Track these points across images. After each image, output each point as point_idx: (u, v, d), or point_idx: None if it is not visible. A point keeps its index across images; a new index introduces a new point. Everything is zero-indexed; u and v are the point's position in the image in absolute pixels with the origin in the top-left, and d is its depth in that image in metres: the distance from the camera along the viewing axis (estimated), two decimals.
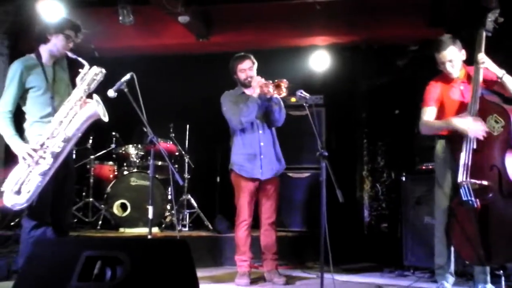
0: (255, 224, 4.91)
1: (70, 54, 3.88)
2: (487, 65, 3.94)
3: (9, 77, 3.76)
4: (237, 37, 6.75)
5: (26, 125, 3.82)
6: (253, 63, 4.79)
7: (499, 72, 3.95)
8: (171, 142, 6.66)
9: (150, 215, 3.85)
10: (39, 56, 3.88)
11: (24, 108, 3.83)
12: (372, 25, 6.36)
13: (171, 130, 6.73)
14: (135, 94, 4.01)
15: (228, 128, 4.89)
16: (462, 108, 4.04)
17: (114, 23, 5.96)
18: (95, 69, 3.86)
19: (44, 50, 3.89)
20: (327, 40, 6.85)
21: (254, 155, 4.71)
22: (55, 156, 3.65)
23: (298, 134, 5.98)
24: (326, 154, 3.97)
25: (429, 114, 4.16)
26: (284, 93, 4.49)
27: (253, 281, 4.76)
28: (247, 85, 4.75)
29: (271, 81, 4.56)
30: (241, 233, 4.75)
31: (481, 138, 3.84)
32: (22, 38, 6.22)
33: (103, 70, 3.87)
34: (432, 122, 4.14)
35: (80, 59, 3.85)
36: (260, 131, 4.76)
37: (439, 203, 4.18)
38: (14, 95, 3.74)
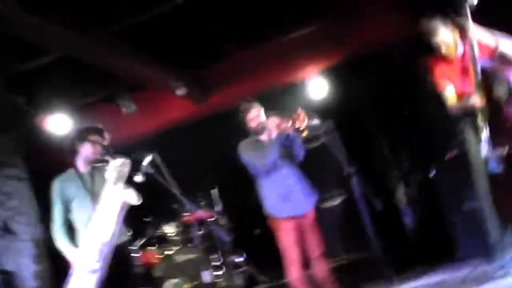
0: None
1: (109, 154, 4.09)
2: (479, 37, 4.00)
3: (52, 196, 4.10)
4: (233, 91, 6.92)
5: (76, 233, 4.05)
6: (260, 109, 4.86)
7: (493, 41, 3.99)
8: (203, 210, 6.77)
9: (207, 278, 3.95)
10: (75, 168, 4.17)
11: (72, 218, 4.08)
12: (355, 38, 6.48)
13: (200, 199, 6.85)
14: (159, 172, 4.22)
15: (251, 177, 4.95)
16: (466, 84, 4.16)
17: (119, 114, 6.19)
18: (118, 161, 4.02)
19: (78, 161, 4.17)
20: (318, 67, 7.03)
21: (285, 194, 4.73)
22: (101, 253, 3.86)
23: (318, 165, 6.04)
24: (354, 169, 4.08)
25: (449, 94, 4.23)
26: (304, 124, 4.49)
27: None
28: (261, 132, 4.83)
29: (287, 117, 4.62)
30: (294, 274, 4.69)
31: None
32: (40, 159, 6.41)
33: (126, 160, 4.03)
34: (455, 103, 4.22)
35: (105, 157, 4.07)
36: (284, 169, 4.80)
37: (480, 183, 4.23)
38: (60, 211, 4.06)
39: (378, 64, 6.90)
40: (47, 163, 5.85)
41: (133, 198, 3.96)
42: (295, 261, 4.69)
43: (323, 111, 6.78)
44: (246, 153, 4.82)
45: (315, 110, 6.63)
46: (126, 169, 4.02)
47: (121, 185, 3.97)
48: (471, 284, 4.40)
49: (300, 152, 4.86)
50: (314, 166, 5.89)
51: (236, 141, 5.01)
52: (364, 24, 6.39)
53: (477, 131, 4.13)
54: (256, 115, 4.83)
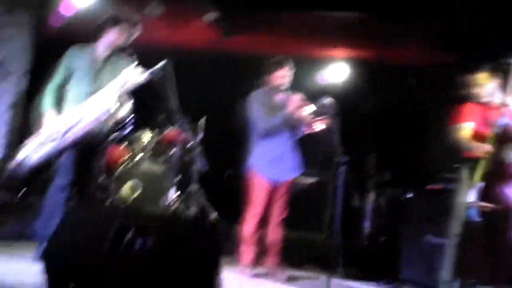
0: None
1: (129, 50, 4.15)
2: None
3: (61, 60, 4.14)
4: (257, 40, 6.95)
5: (63, 104, 4.11)
6: (291, 70, 4.86)
7: None
8: (187, 132, 6.72)
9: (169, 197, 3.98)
10: (95, 47, 4.18)
11: (66, 90, 4.14)
12: (387, 44, 6.52)
13: (188, 123, 6.81)
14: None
15: (246, 128, 4.96)
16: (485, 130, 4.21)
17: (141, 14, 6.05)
18: (136, 70, 4.07)
19: (101, 42, 4.18)
20: (346, 53, 7.02)
21: (275, 158, 4.82)
22: (64, 133, 3.96)
23: (312, 141, 6.06)
24: (345, 159, 4.12)
25: (465, 130, 4.30)
26: (318, 128, 4.64)
27: (255, 275, 4.86)
28: (278, 92, 4.83)
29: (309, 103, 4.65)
30: (250, 227, 4.83)
31: None
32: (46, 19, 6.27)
33: (144, 72, 4.07)
34: (467, 142, 4.29)
35: (133, 57, 4.12)
36: (283, 136, 4.86)
37: (456, 225, 4.30)
38: (61, 76, 4.12)
39: (402, 76, 6.90)
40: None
41: (125, 110, 4.07)
42: (256, 217, 4.80)
43: (334, 93, 6.84)
44: (256, 106, 4.81)
45: (328, 90, 6.73)
46: (139, 80, 4.07)
47: (125, 92, 4.03)
48: None
49: (299, 134, 4.94)
50: (308, 140, 5.94)
51: (247, 87, 4.97)
52: (402, 39, 6.36)
53: (472, 176, 4.19)
54: (285, 73, 4.81)
